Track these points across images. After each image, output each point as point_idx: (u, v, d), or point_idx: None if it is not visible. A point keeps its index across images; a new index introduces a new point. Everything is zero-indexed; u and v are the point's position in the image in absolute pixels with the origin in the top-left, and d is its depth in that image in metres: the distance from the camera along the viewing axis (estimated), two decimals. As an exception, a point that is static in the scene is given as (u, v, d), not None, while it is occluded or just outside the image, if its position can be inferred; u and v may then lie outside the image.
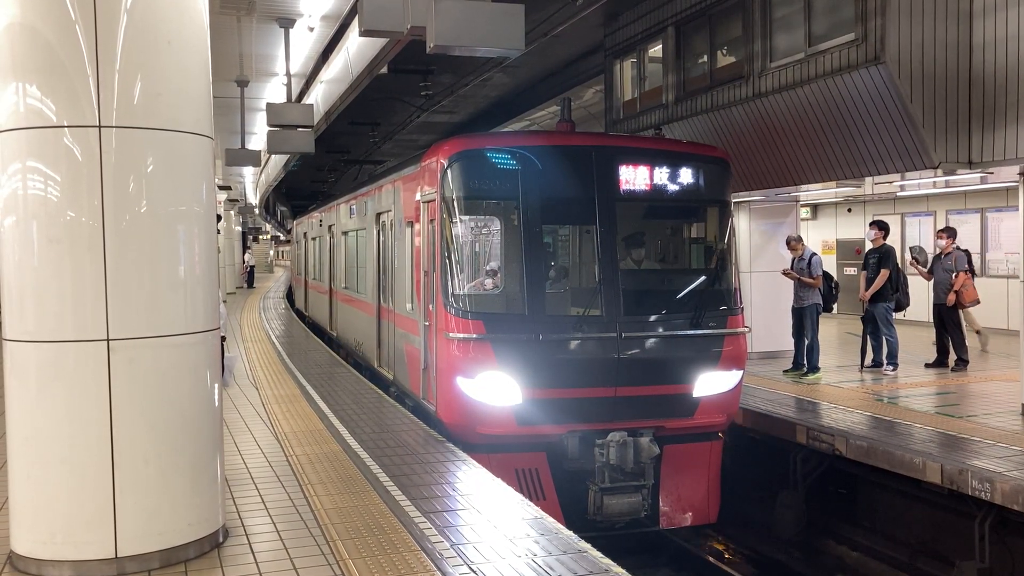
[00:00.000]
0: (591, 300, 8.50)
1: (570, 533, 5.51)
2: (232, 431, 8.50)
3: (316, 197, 32.25)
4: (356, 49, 11.97)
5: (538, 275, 8.45)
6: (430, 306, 8.85)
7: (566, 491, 8.39)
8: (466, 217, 8.72)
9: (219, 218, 19.69)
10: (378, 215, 12.35)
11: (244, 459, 7.42)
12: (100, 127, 4.70)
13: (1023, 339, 9.63)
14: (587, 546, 5.27)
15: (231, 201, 34.45)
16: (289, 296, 31.82)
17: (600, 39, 14.89)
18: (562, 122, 9.62)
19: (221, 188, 28.52)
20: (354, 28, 11.11)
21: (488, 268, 9.16)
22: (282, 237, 76.85)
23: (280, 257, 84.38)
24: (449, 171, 8.49)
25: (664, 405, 8.50)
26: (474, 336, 8.13)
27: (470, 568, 4.88)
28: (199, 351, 5.11)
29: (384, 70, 12.49)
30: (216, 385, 5.32)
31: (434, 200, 8.70)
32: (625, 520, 8.37)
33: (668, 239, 10.08)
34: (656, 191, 8.84)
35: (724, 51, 11.98)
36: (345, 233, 16.26)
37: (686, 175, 8.93)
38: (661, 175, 8.81)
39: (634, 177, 8.71)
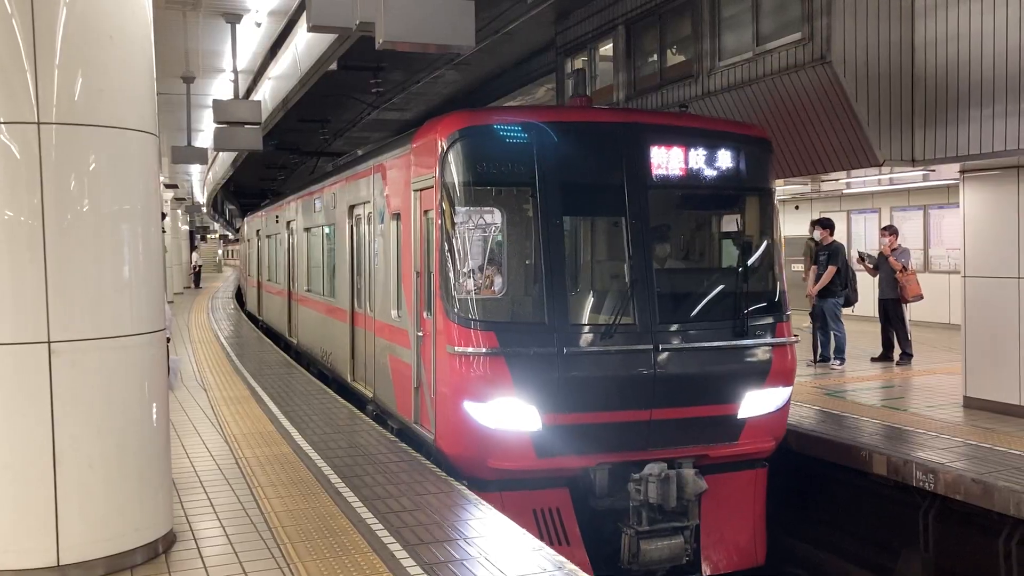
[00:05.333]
0: (621, 306, 7.22)
1: (517, 528, 5.50)
2: (179, 433, 8.35)
3: (266, 195, 31.84)
4: (304, 45, 11.83)
5: (559, 277, 7.17)
6: (425, 314, 7.63)
7: (593, 534, 7.20)
8: (473, 207, 7.40)
9: (163, 216, 19.30)
10: (351, 208, 11.03)
11: (192, 462, 7.30)
12: (39, 124, 4.58)
13: (964, 333, 9.86)
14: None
15: (178, 199, 33.87)
16: (238, 296, 31.37)
17: (551, 37, 14.92)
18: (577, 96, 8.58)
19: (167, 186, 28.03)
20: (302, 24, 10.98)
21: (488, 269, 7.95)
22: (231, 236, 75.78)
23: (229, 256, 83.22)
24: (451, 152, 7.19)
25: (707, 429, 7.35)
26: (484, 350, 6.85)
27: (423, 569, 4.85)
28: (145, 353, 5.01)
29: (333, 66, 12.35)
30: (162, 387, 5.23)
31: (431, 187, 7.41)
32: (665, 568, 7.21)
33: (708, 233, 8.78)
34: (694, 177, 7.62)
35: (674, 50, 12.07)
36: (308, 229, 14.84)
37: (728, 158, 7.74)
38: (699, 158, 7.61)
39: (668, 160, 7.51)
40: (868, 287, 14.37)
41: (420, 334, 7.74)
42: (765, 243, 8.04)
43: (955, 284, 15.07)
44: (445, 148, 7.23)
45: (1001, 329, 9.40)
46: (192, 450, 7.72)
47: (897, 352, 12.97)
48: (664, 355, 7.14)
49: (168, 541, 5.19)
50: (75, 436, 4.69)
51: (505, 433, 6.86)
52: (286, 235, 17.56)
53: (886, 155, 9.16)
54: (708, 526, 7.43)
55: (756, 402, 7.48)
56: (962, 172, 9.87)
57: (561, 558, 5.02)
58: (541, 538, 6.08)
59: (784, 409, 7.80)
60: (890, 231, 13.30)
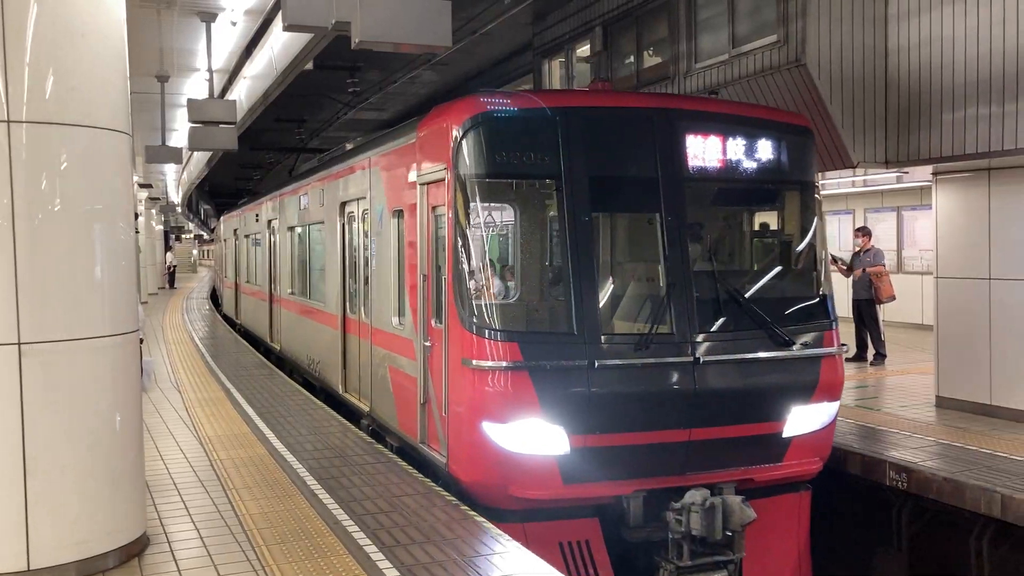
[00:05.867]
0: (657, 313, 6.50)
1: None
2: (153, 435, 8.27)
3: (241, 195, 31.62)
4: (280, 44, 11.76)
5: (589, 281, 6.44)
6: (433, 322, 6.93)
7: (626, 570, 6.55)
8: (490, 203, 6.62)
9: (137, 216, 19.01)
10: (343, 205, 10.22)
11: (166, 464, 7.23)
12: (9, 122, 4.52)
13: (936, 334, 9.96)
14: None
15: (152, 199, 33.58)
16: (214, 297, 31.14)
17: (529, 38, 14.93)
18: (598, 81, 7.88)
19: (141, 186, 27.79)
20: (278, 23, 10.91)
21: (507, 272, 7.26)
22: (206, 236, 75.21)
23: (204, 257, 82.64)
24: (465, 140, 6.42)
25: (751, 449, 6.69)
26: (505, 364, 6.10)
27: (399, 571, 4.83)
28: (117, 354, 4.95)
29: (309, 66, 12.29)
30: (135, 389, 5.18)
31: (443, 180, 6.67)
32: None
33: (749, 232, 8.09)
34: (734, 169, 6.95)
35: (650, 51, 12.11)
36: (292, 228, 13.91)
37: (770, 148, 7.09)
38: (739, 148, 6.95)
39: (705, 151, 6.83)
40: (841, 288, 14.50)
41: (427, 344, 7.05)
42: (811, 243, 7.33)
43: (928, 285, 15.22)
44: (459, 136, 6.47)
45: (972, 329, 9.51)
46: (166, 452, 7.65)
47: (871, 352, 13.08)
48: (705, 369, 6.45)
49: (141, 545, 5.14)
50: (46, 439, 4.63)
51: (529, 457, 6.15)
52: (267, 235, 16.47)
53: (860, 157, 9.25)
54: (751, 557, 6.67)
55: (803, 418, 6.83)
56: (934, 174, 9.98)
57: (536, 557, 5.02)
58: (568, 574, 5.71)
59: (831, 426, 7.11)
60: (863, 232, 13.43)
